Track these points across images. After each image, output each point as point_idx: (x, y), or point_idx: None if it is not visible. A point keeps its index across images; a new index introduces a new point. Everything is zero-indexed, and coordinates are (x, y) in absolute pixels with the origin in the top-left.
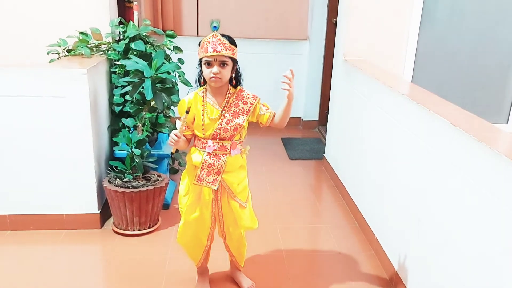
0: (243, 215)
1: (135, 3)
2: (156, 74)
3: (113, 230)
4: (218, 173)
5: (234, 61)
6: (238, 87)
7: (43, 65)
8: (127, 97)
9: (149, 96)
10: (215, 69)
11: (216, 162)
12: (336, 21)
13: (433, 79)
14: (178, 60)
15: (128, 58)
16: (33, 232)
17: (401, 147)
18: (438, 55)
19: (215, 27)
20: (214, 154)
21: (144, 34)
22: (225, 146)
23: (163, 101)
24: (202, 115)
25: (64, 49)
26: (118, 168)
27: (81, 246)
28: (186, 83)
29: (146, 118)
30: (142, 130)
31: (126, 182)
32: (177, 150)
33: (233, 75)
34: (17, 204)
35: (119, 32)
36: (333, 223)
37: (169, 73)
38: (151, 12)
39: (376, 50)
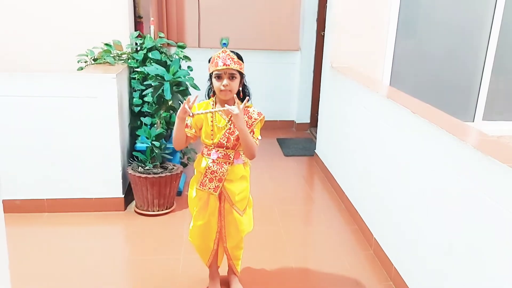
0: (243, 221)
1: (152, 18)
2: (174, 78)
3: (135, 211)
4: (220, 181)
5: (242, 75)
6: (248, 102)
7: (80, 71)
8: (146, 99)
9: (168, 96)
10: (225, 81)
11: (219, 170)
12: (324, 33)
13: (408, 82)
14: (187, 67)
15: (146, 66)
16: (66, 214)
17: (381, 140)
18: (412, 61)
19: (224, 43)
20: (218, 162)
21: (159, 45)
22: (229, 155)
23: (179, 100)
24: (211, 122)
25: (91, 58)
26: (140, 158)
27: (108, 225)
28: (195, 87)
29: (163, 116)
30: (161, 125)
31: (147, 169)
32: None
33: (241, 88)
34: (54, 189)
35: (136, 43)
36: (323, 206)
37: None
38: (157, 26)
39: (358, 57)
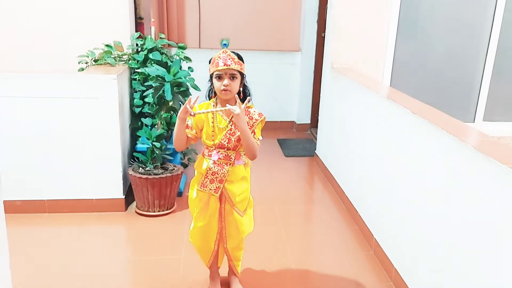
0: (244, 221)
1: (152, 19)
2: (174, 79)
3: (136, 212)
4: (221, 182)
5: (242, 76)
6: (249, 103)
7: (80, 72)
8: (146, 99)
9: (169, 97)
10: (226, 81)
11: (220, 171)
12: (324, 35)
13: (408, 83)
14: (188, 68)
15: (147, 67)
16: (67, 214)
17: (381, 141)
18: (412, 62)
19: (225, 44)
20: (219, 163)
21: (160, 46)
22: (230, 156)
23: (179, 101)
24: (212, 122)
25: (92, 59)
26: (140, 159)
27: (109, 226)
28: (196, 87)
29: (163, 117)
30: (161, 126)
31: (148, 170)
32: (187, 148)
33: (241, 89)
34: (54, 190)
35: (137, 44)
36: (324, 206)
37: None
38: (157, 27)
39: (359, 58)
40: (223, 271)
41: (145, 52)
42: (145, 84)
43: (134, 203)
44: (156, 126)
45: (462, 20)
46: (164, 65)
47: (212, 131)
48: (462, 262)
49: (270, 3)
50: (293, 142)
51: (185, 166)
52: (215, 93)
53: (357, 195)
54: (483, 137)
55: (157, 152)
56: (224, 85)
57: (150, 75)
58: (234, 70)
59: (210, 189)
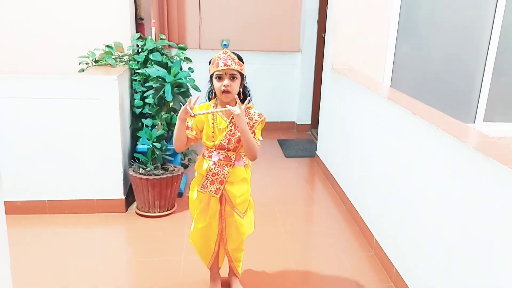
0: (244, 223)
1: (153, 20)
2: (175, 80)
3: (136, 213)
4: (221, 183)
5: (242, 76)
6: (249, 103)
7: (81, 73)
8: (147, 100)
9: (169, 97)
10: (226, 81)
11: (220, 172)
12: (324, 35)
13: (409, 83)
14: (188, 69)
15: (147, 67)
16: (68, 215)
17: (382, 141)
18: (413, 63)
19: (225, 45)
20: (219, 164)
21: (160, 47)
22: (230, 157)
23: (180, 102)
24: (212, 123)
25: (92, 60)
26: (141, 160)
27: (109, 227)
28: (196, 88)
29: (164, 118)
30: (162, 126)
31: (148, 171)
32: (187, 148)
33: (241, 89)
34: (55, 191)
35: (137, 45)
36: (324, 207)
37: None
38: (158, 28)
39: (359, 59)
40: (224, 271)
41: (146, 53)
42: (146, 84)
43: (135, 204)
44: (156, 126)
45: (463, 20)
46: (165, 66)
47: (212, 132)
48: (462, 263)
49: (270, 4)
50: (293, 143)
51: (185, 166)
52: (215, 94)
53: (357, 196)
54: (483, 137)
55: (157, 152)
56: (224, 85)
57: (150, 76)
58: (234, 70)
59: (210, 190)
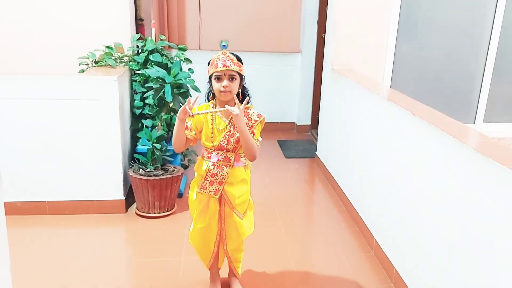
0: (244, 224)
1: (153, 21)
2: (175, 80)
3: (136, 214)
4: (221, 184)
5: (241, 77)
6: (249, 104)
7: (81, 74)
8: (147, 101)
9: (169, 98)
10: (225, 82)
11: (219, 173)
12: (324, 36)
13: (409, 84)
14: (188, 69)
15: (147, 68)
16: (68, 216)
17: (382, 142)
18: (413, 63)
19: (224, 45)
20: (218, 164)
21: (160, 47)
22: (229, 157)
23: (180, 103)
24: (211, 124)
25: (92, 61)
26: (141, 160)
27: (109, 228)
28: (196, 89)
29: (164, 119)
30: (162, 127)
31: (148, 172)
32: (186, 149)
33: (240, 90)
34: (55, 191)
35: (137, 46)
36: (324, 208)
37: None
38: (158, 28)
39: (359, 59)
40: (224, 272)
41: (146, 53)
42: (146, 85)
43: (135, 205)
44: (156, 127)
45: (463, 21)
46: (165, 66)
47: (211, 133)
48: (462, 263)
49: (270, 4)
50: (293, 144)
51: (185, 167)
52: (214, 94)
53: (357, 197)
54: (483, 138)
55: (157, 153)
56: (223, 86)
57: (150, 77)
58: (233, 71)
59: (209, 191)
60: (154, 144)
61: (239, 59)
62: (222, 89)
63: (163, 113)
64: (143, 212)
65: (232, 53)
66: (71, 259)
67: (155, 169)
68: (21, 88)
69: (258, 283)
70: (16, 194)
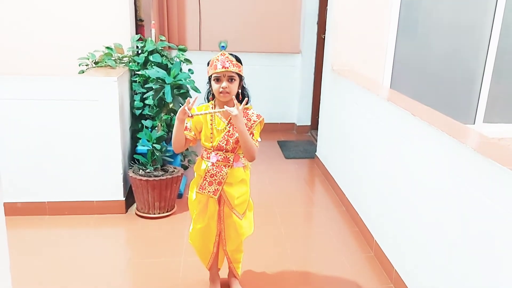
0: (243, 224)
1: (153, 22)
2: (175, 81)
3: (136, 214)
4: (220, 184)
5: (241, 77)
6: (248, 104)
7: (81, 74)
8: (147, 101)
9: (169, 99)
10: (224, 83)
11: (218, 173)
12: (324, 36)
13: (408, 85)
14: (188, 70)
15: (147, 69)
16: (68, 216)
17: (382, 143)
18: (413, 64)
19: (223, 46)
20: (217, 165)
21: (160, 48)
22: (228, 158)
23: (180, 103)
24: (211, 124)
25: (92, 61)
26: (140, 161)
27: (109, 228)
28: (196, 89)
29: (163, 119)
30: (162, 128)
31: (148, 172)
32: (186, 149)
33: (239, 91)
34: (54, 192)
35: (137, 47)
36: (324, 208)
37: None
38: (158, 29)
39: (359, 60)
40: (223, 273)
41: (146, 54)
42: (146, 86)
43: (135, 205)
44: (156, 128)
45: (462, 21)
46: (165, 67)
47: (211, 133)
48: (462, 264)
49: (271, 5)
50: (293, 144)
51: (185, 168)
52: (213, 95)
53: (357, 197)
54: (483, 138)
55: (157, 154)
56: (222, 88)
57: (150, 77)
58: (233, 72)
59: (208, 191)
60: (154, 145)
61: (238, 60)
62: (221, 90)
63: (163, 114)
64: (143, 213)
65: (231, 54)
66: (71, 259)
67: (155, 170)
68: (21, 88)
69: (258, 283)
70: (16, 195)
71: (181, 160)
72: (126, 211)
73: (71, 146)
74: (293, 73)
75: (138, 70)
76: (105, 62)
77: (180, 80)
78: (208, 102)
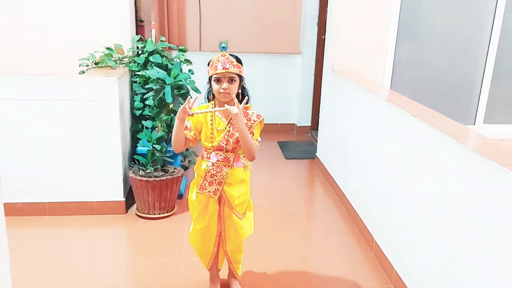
0: (243, 224)
1: (153, 22)
2: (175, 82)
3: (137, 215)
4: (220, 184)
5: (241, 78)
6: (248, 104)
7: (81, 75)
8: (147, 102)
9: (169, 99)
10: (225, 84)
11: (219, 173)
12: (324, 37)
13: (408, 85)
14: (189, 71)
15: (147, 69)
16: (68, 217)
17: (382, 143)
18: (413, 64)
19: (223, 47)
20: (217, 165)
21: (160, 49)
22: (228, 158)
23: (180, 104)
24: (211, 124)
25: (92, 62)
26: (141, 161)
27: (109, 229)
28: (196, 90)
29: (164, 120)
30: (162, 128)
31: (148, 173)
32: (186, 149)
33: (240, 91)
34: (55, 192)
35: (137, 47)
36: (324, 209)
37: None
38: (158, 30)
39: (359, 61)
40: (224, 273)
41: (146, 54)
42: (146, 86)
43: (135, 206)
44: (156, 128)
45: (462, 22)
46: (165, 67)
47: (211, 133)
48: (462, 264)
49: (271, 5)
50: (293, 145)
51: (185, 168)
52: (213, 95)
53: (357, 198)
54: (483, 139)
55: (157, 154)
56: (222, 88)
57: (150, 78)
58: (233, 73)
59: (209, 191)
60: (154, 145)
61: (238, 61)
62: (221, 91)
63: (163, 114)
64: (143, 213)
65: (232, 54)
66: (71, 260)
67: (155, 170)
68: (21, 89)
69: (258, 284)
70: (16, 195)
71: (181, 161)
72: (126, 212)
73: (71, 147)
74: (293, 74)
75: (138, 71)
76: (106, 63)
77: (180, 80)
78: (209, 102)
